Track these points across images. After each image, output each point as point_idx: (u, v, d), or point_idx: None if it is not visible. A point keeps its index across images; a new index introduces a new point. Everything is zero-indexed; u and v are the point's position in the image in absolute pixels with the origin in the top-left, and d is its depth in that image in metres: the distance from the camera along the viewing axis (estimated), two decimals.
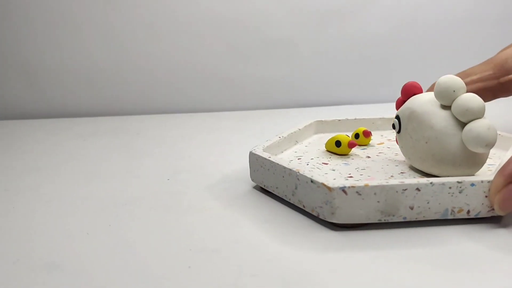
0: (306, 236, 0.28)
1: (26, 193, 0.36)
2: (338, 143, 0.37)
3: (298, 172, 0.30)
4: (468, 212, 0.28)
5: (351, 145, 0.37)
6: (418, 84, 0.34)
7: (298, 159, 0.37)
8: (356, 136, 0.40)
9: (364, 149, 0.39)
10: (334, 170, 0.34)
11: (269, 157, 0.33)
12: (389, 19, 0.64)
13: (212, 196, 0.34)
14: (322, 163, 0.36)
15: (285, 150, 0.39)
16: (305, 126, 0.42)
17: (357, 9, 0.64)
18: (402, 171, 0.33)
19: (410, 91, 0.33)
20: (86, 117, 0.62)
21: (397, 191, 0.28)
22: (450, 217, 0.28)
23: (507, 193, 0.27)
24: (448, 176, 0.29)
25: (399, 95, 0.62)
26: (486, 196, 0.28)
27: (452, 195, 0.28)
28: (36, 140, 0.52)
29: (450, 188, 0.28)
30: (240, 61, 0.64)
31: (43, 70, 0.63)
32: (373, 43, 0.65)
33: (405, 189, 0.28)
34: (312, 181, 0.29)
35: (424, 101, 0.31)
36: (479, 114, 0.29)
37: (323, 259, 0.25)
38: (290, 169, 0.31)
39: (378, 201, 0.28)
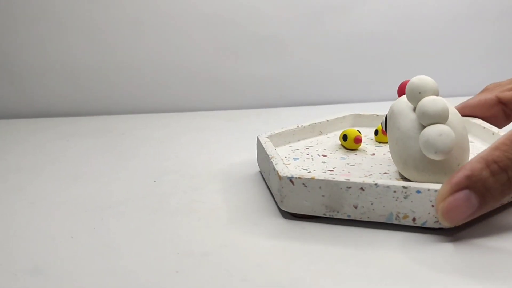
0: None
1: (8, 195, 0.35)
2: (344, 137, 0.37)
3: (271, 159, 0.31)
4: (414, 219, 0.27)
5: (357, 141, 0.37)
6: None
7: (306, 148, 0.37)
8: (376, 132, 0.39)
9: (380, 146, 0.38)
10: (324, 162, 0.34)
11: (264, 143, 0.34)
12: (383, 15, 0.64)
13: (200, 197, 0.33)
14: (322, 155, 0.36)
15: (302, 139, 0.39)
16: (337, 118, 0.42)
17: (350, 6, 0.63)
18: (386, 172, 0.33)
19: (403, 90, 0.33)
20: (70, 117, 0.61)
21: (341, 188, 0.28)
22: (395, 222, 0.27)
23: (452, 203, 0.25)
24: (415, 182, 0.28)
25: (394, 93, 0.62)
26: (432, 206, 0.27)
27: (396, 200, 0.27)
28: (18, 140, 0.51)
29: (394, 192, 0.27)
30: (230, 59, 0.63)
31: (25, 68, 0.62)
32: (367, 41, 0.64)
33: (349, 187, 0.28)
34: (274, 168, 0.30)
35: (403, 101, 0.31)
36: (436, 119, 0.27)
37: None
38: (268, 156, 0.32)
39: (323, 195, 0.28)
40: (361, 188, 0.27)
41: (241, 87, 0.64)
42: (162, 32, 0.62)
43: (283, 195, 0.29)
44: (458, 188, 0.25)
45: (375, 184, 0.27)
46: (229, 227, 0.29)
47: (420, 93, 0.28)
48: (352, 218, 0.28)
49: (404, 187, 0.27)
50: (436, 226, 0.27)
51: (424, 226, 0.27)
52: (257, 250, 0.26)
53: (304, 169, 0.33)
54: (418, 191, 0.27)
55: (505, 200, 0.29)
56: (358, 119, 0.44)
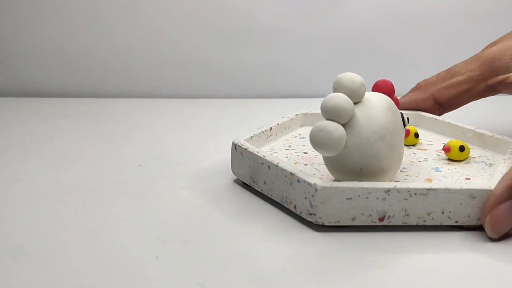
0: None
1: None
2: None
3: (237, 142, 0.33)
4: (295, 207, 0.28)
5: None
6: (387, 83, 0.33)
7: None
8: None
9: None
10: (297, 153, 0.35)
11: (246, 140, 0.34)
12: (377, 9, 0.64)
13: (185, 185, 0.33)
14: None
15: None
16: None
17: None
18: None
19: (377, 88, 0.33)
20: (58, 98, 0.61)
21: (258, 163, 0.31)
22: (285, 205, 0.29)
23: (498, 215, 0.26)
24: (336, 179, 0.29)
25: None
26: (305, 198, 0.27)
27: (285, 184, 0.29)
28: (5, 120, 0.50)
29: (285, 176, 0.29)
30: (222, 47, 0.63)
31: (16, 47, 0.61)
32: (360, 34, 0.64)
33: (263, 163, 0.30)
34: (236, 145, 0.33)
35: None
36: (327, 115, 0.27)
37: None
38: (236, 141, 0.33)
39: (250, 166, 0.31)
40: (268, 167, 0.30)
41: (232, 76, 0.64)
42: (155, 17, 0.62)
43: (229, 161, 0.34)
44: (503, 199, 0.26)
45: (276, 165, 0.29)
46: (211, 215, 0.29)
47: (335, 88, 0.28)
48: (263, 192, 0.31)
49: (291, 173, 0.28)
50: (308, 218, 0.27)
51: (301, 215, 0.28)
52: (240, 238, 0.26)
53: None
54: (298, 180, 0.28)
55: None
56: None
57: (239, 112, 0.55)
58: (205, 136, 0.45)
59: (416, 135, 0.37)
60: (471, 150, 0.35)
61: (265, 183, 0.30)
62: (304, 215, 0.28)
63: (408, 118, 0.33)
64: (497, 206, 0.26)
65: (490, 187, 0.27)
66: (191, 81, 0.64)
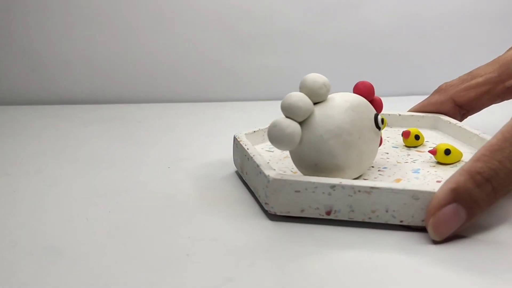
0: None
1: (27, 178, 0.36)
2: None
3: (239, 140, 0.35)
4: (259, 197, 0.30)
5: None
6: (365, 84, 0.33)
7: None
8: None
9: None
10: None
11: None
12: (393, 11, 0.64)
13: (212, 185, 0.34)
14: None
15: None
16: None
17: (362, 2, 0.63)
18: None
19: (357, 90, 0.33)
20: (89, 104, 0.62)
21: (243, 154, 0.33)
22: (256, 194, 0.31)
23: (440, 217, 0.25)
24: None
25: (403, 89, 0.62)
26: (263, 188, 0.29)
27: (255, 175, 0.31)
28: (39, 126, 0.52)
29: (255, 168, 0.31)
30: (243, 52, 0.64)
31: (48, 57, 0.63)
32: (376, 36, 0.64)
33: (245, 155, 0.33)
34: (234, 138, 0.36)
35: None
36: (284, 112, 0.28)
37: None
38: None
39: (240, 158, 0.34)
40: (248, 158, 0.32)
41: (252, 79, 0.65)
42: (178, 24, 0.63)
43: (233, 151, 0.36)
44: (445, 202, 0.26)
45: (252, 157, 0.31)
46: (239, 213, 0.30)
47: (300, 88, 0.29)
48: (246, 182, 0.33)
49: (257, 165, 0.30)
50: (266, 208, 0.29)
51: (262, 204, 0.30)
52: (266, 234, 0.27)
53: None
54: (260, 172, 0.30)
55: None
56: None
57: (261, 114, 0.55)
58: (229, 137, 0.46)
59: (417, 137, 0.37)
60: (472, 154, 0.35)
61: (246, 174, 0.33)
62: (263, 204, 0.29)
63: (383, 119, 0.32)
64: (440, 209, 0.26)
65: (433, 189, 0.26)
66: (215, 85, 0.65)
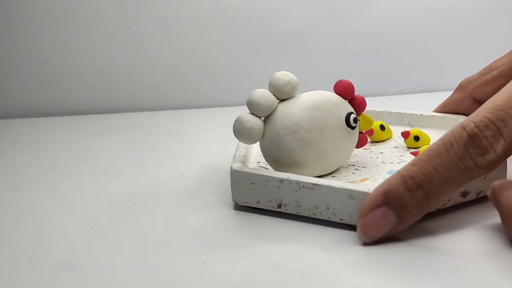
0: None
1: (40, 191, 0.36)
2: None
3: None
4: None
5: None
6: (342, 82, 0.33)
7: None
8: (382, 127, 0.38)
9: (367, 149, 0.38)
10: None
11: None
12: (404, 10, 0.63)
13: (226, 191, 0.34)
14: None
15: None
16: None
17: (371, 1, 0.63)
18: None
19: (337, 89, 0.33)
20: (99, 114, 0.62)
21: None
22: None
23: (370, 220, 0.25)
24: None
25: (414, 88, 0.61)
26: (230, 179, 0.30)
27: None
28: (49, 138, 0.52)
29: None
30: (252, 56, 0.64)
31: (56, 67, 0.63)
32: (387, 35, 0.64)
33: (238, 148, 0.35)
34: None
35: None
36: (248, 108, 0.30)
37: None
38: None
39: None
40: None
41: (262, 83, 0.64)
42: (187, 30, 0.63)
43: None
44: (375, 205, 0.25)
45: (236, 150, 0.33)
46: (254, 220, 0.29)
47: (268, 85, 0.31)
48: None
49: (234, 157, 0.33)
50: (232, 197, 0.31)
51: None
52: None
53: None
54: (232, 165, 0.31)
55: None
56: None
57: None
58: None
59: (417, 138, 0.36)
60: None
61: None
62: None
63: (355, 119, 0.32)
64: (370, 211, 0.25)
65: (369, 190, 0.26)
66: (223, 90, 0.64)
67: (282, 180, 0.28)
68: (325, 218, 0.28)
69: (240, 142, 0.34)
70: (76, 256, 0.26)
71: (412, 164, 0.25)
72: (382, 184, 0.25)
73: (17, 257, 0.26)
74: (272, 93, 0.30)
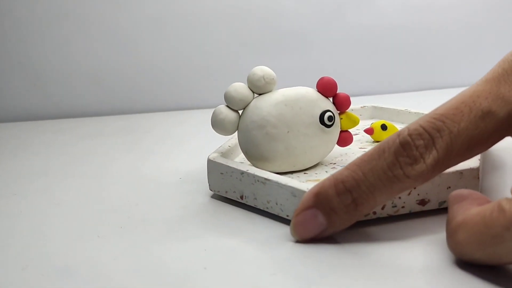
0: None
1: (35, 197, 0.35)
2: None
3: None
4: None
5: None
6: (323, 79, 0.32)
7: None
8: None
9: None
10: None
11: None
12: (405, 7, 0.63)
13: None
14: None
15: None
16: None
17: None
18: None
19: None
20: (93, 117, 0.62)
21: None
22: None
23: (300, 219, 0.25)
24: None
25: (415, 86, 0.61)
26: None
27: None
28: (43, 142, 0.51)
29: None
30: (251, 54, 0.63)
31: (48, 70, 0.63)
32: (389, 32, 0.63)
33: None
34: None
35: None
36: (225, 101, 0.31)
37: None
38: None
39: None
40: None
41: None
42: (182, 30, 0.62)
43: None
44: (307, 205, 0.25)
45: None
46: (256, 224, 0.29)
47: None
48: None
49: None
50: None
51: None
52: (284, 244, 0.26)
53: None
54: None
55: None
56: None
57: None
58: None
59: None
60: None
61: None
62: None
63: (330, 117, 0.31)
64: (302, 210, 0.25)
65: (307, 188, 0.26)
66: (222, 90, 0.64)
67: (242, 173, 0.30)
68: (275, 213, 0.28)
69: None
70: (73, 262, 0.25)
71: (346, 168, 0.24)
72: (316, 185, 0.25)
73: (12, 264, 0.26)
74: (249, 87, 0.31)
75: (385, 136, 0.37)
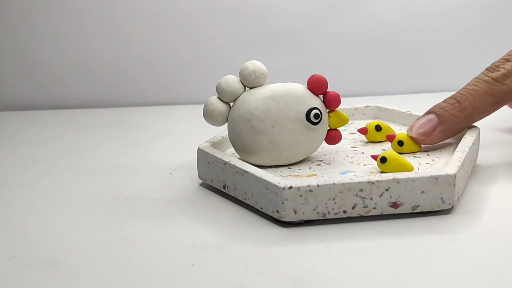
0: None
1: (24, 187, 0.35)
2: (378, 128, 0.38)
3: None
4: None
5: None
6: (313, 77, 0.32)
7: None
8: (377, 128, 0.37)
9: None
10: None
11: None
12: (400, 7, 0.63)
13: (217, 191, 0.33)
14: None
15: None
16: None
17: None
18: None
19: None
20: (86, 109, 0.61)
21: None
22: None
23: (423, 121, 0.33)
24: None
25: (411, 87, 0.61)
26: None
27: None
28: (35, 132, 0.51)
29: None
30: (247, 51, 0.63)
31: (41, 60, 0.62)
32: (384, 31, 0.63)
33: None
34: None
35: None
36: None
37: None
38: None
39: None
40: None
41: None
42: (177, 25, 0.62)
43: None
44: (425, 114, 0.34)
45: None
46: (245, 220, 0.29)
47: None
48: None
49: None
50: None
51: None
52: (275, 240, 0.26)
53: None
54: None
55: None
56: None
57: None
58: None
59: (400, 143, 0.34)
60: None
61: None
62: None
63: (316, 115, 0.31)
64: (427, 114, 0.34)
65: (278, 183, 0.27)
66: (215, 85, 0.64)
67: (225, 163, 0.30)
68: (252, 205, 0.29)
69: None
70: (60, 254, 0.25)
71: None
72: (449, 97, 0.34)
73: (0, 255, 0.26)
74: (240, 80, 0.32)
75: (379, 136, 0.37)
